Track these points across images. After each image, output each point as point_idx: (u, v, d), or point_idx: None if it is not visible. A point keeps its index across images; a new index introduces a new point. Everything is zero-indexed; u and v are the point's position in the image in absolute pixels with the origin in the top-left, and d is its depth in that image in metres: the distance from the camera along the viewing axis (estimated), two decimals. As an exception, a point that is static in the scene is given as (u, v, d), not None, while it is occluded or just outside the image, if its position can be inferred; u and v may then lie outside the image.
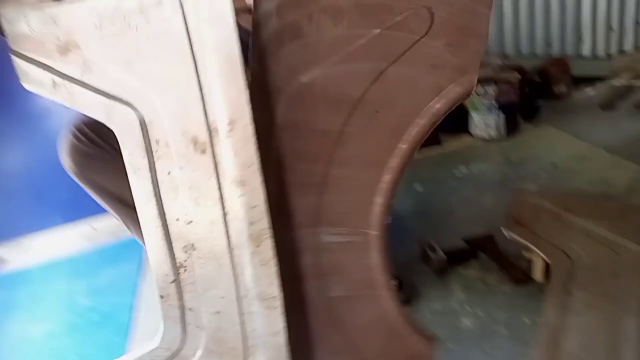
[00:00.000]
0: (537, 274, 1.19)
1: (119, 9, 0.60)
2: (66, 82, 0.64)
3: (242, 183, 0.66)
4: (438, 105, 0.68)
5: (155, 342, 0.80)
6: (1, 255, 1.89)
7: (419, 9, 0.64)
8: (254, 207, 0.67)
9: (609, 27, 2.57)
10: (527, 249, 1.21)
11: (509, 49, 2.54)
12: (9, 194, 2.01)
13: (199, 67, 0.62)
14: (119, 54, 0.62)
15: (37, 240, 1.95)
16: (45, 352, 1.29)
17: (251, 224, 0.67)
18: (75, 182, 2.04)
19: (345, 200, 0.73)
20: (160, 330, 0.79)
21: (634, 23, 2.58)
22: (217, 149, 0.64)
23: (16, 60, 0.63)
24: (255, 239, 0.69)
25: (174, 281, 0.74)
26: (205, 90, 0.62)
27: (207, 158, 0.65)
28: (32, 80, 0.64)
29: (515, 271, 1.22)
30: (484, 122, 2.04)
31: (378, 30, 0.65)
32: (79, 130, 1.08)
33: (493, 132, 2.03)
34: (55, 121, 2.03)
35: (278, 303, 0.71)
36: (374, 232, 0.74)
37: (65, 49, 0.63)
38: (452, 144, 2.04)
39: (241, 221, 0.67)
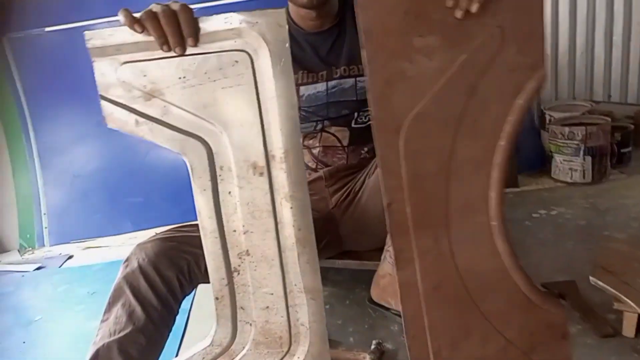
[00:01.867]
0: (628, 327, 1.05)
1: (202, 67, 0.76)
2: (148, 122, 0.78)
3: (292, 198, 0.81)
4: (521, 101, 0.80)
5: (207, 341, 0.88)
6: (69, 252, 1.97)
7: (492, 30, 0.78)
8: (302, 216, 0.82)
9: None
10: (618, 299, 1.07)
11: (599, 95, 2.40)
12: (85, 195, 2.11)
13: (262, 110, 0.78)
14: (197, 100, 0.78)
15: (104, 242, 2.02)
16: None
17: (299, 230, 0.82)
18: (147, 193, 2.11)
19: (467, 200, 0.85)
20: (212, 329, 0.86)
21: None
22: (273, 172, 0.80)
23: (104, 104, 0.77)
24: (302, 242, 0.83)
25: (228, 284, 0.85)
26: (266, 127, 0.78)
27: (264, 179, 0.80)
28: (117, 120, 0.78)
29: (603, 323, 1.08)
30: (569, 165, 1.91)
31: (465, 55, 0.78)
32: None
33: (577, 177, 1.89)
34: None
35: (319, 294, 0.85)
36: (494, 222, 0.86)
37: (149, 95, 0.78)
38: (531, 186, 1.92)
39: (291, 228, 0.82)
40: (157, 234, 1.02)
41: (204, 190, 0.81)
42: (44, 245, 2.06)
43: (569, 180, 1.92)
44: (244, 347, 0.87)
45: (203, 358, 0.86)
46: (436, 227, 0.86)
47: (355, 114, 1.30)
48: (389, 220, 0.84)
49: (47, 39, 2.04)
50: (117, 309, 0.91)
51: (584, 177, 1.89)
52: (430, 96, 0.81)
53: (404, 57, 0.79)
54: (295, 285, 0.84)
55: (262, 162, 0.80)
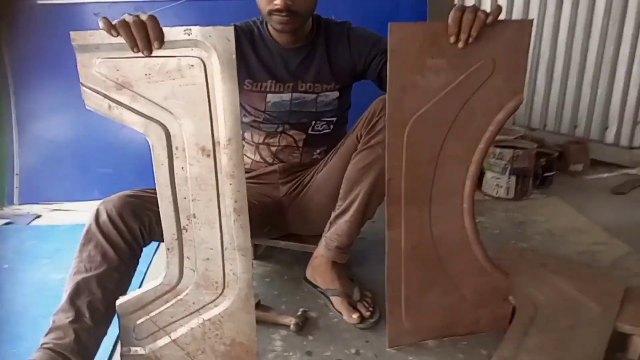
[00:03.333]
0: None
1: (164, 67, 0.95)
2: (118, 106, 0.98)
3: (232, 176, 1.01)
4: (500, 117, 1.09)
5: (158, 281, 1.09)
6: (37, 212, 2.11)
7: (487, 60, 1.04)
8: (238, 191, 1.02)
9: (635, 121, 2.68)
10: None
11: (536, 123, 2.67)
12: (58, 161, 2.25)
13: (211, 104, 0.97)
14: (159, 93, 0.97)
15: (71, 206, 2.17)
16: (59, 297, 1.45)
17: (235, 201, 1.03)
18: (116, 165, 2.25)
19: (448, 185, 1.13)
20: (164, 272, 1.08)
21: (661, 121, 2.68)
22: (218, 155, 1.00)
23: (84, 89, 0.97)
24: (237, 211, 1.03)
25: (177, 238, 1.05)
26: (213, 119, 0.97)
27: (210, 160, 1.00)
28: (94, 103, 0.98)
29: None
30: (496, 182, 2.17)
31: (463, 76, 1.05)
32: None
33: (502, 192, 2.15)
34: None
35: (249, 252, 1.07)
36: (466, 205, 1.15)
37: (121, 86, 0.96)
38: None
39: (229, 200, 1.02)
40: (123, 192, 1.20)
41: (162, 164, 1.00)
42: (13, 204, 2.19)
43: (494, 195, 2.18)
44: (187, 287, 1.08)
45: (155, 292, 1.08)
46: (421, 202, 1.13)
47: (313, 122, 1.48)
48: (388, 192, 1.10)
49: (38, 11, 2.16)
50: (90, 250, 1.10)
51: (507, 193, 2.15)
52: (432, 103, 1.06)
53: (417, 71, 1.03)
54: (230, 243, 1.05)
55: (209, 146, 0.99)
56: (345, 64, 1.44)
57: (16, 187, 2.20)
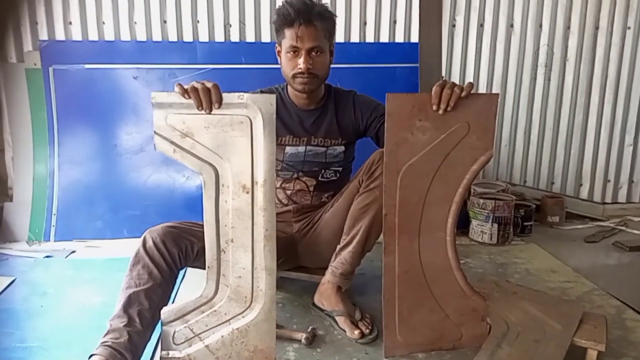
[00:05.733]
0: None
1: (220, 122, 1.25)
2: (181, 151, 1.25)
3: (265, 209, 1.28)
4: (475, 167, 1.36)
5: (198, 294, 1.30)
6: (72, 248, 2.36)
7: (463, 124, 1.33)
8: (269, 221, 1.28)
9: (606, 179, 2.99)
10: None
11: (516, 179, 2.98)
12: (91, 203, 2.52)
13: (253, 152, 1.26)
14: (214, 142, 1.25)
15: (102, 244, 2.42)
16: (101, 315, 1.66)
17: (267, 230, 1.29)
18: (143, 208, 2.52)
19: (433, 220, 1.38)
20: (202, 287, 1.34)
21: (629, 180, 3.00)
22: (255, 192, 1.27)
23: (155, 136, 1.23)
24: (267, 238, 1.29)
25: (217, 259, 1.31)
26: (254, 164, 1.26)
27: (249, 196, 1.27)
28: (162, 147, 1.24)
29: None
30: (480, 229, 2.45)
31: (444, 135, 1.33)
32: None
33: (486, 238, 2.42)
34: (140, 160, 2.58)
35: (274, 273, 1.31)
36: (449, 237, 1.40)
37: (184, 135, 1.24)
38: (451, 241, 2.43)
39: (261, 228, 1.28)
40: (164, 223, 1.47)
41: (210, 197, 1.28)
42: (49, 240, 2.44)
43: (480, 240, 2.45)
44: (221, 300, 1.32)
45: (194, 304, 1.32)
46: (412, 234, 1.37)
47: (323, 171, 1.79)
48: (384, 225, 1.36)
49: (84, 74, 2.52)
50: (139, 269, 1.35)
51: (491, 239, 2.42)
52: (420, 155, 1.32)
53: (408, 130, 1.31)
54: (259, 264, 1.30)
55: (249, 185, 1.27)
56: (350, 123, 1.77)
57: (53, 226, 2.46)
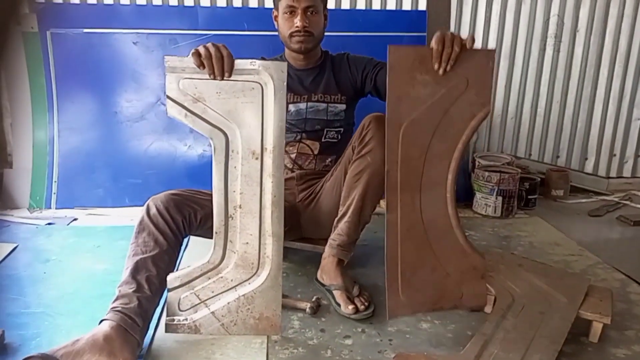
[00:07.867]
0: (489, 305, 1.52)
1: (232, 88, 1.23)
2: (192, 115, 1.24)
3: (273, 176, 1.27)
4: (473, 123, 1.33)
5: (204, 259, 1.30)
6: (74, 215, 2.34)
7: (462, 79, 1.30)
8: (277, 188, 1.27)
9: (612, 153, 2.97)
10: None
11: (522, 152, 2.95)
12: (92, 171, 2.50)
13: (264, 118, 1.24)
14: (225, 107, 1.23)
15: (104, 212, 2.41)
16: (105, 282, 1.67)
17: (274, 196, 1.27)
18: (145, 177, 2.50)
19: (434, 176, 1.35)
20: (209, 252, 1.33)
21: (635, 155, 2.97)
22: (264, 158, 1.25)
23: (168, 101, 1.22)
24: (275, 204, 1.28)
25: (224, 224, 1.30)
26: (264, 130, 1.25)
27: (258, 162, 1.26)
28: (174, 112, 1.23)
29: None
30: (485, 202, 2.43)
31: (444, 90, 1.29)
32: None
33: (490, 211, 2.41)
34: (142, 126, 2.55)
35: (281, 239, 1.31)
36: (449, 194, 1.37)
37: (196, 100, 1.23)
38: (454, 213, 2.42)
39: (269, 195, 1.27)
40: (168, 191, 1.45)
41: (219, 163, 1.26)
42: (50, 208, 2.42)
43: (483, 213, 2.44)
44: (228, 266, 1.32)
45: (200, 270, 1.31)
46: (413, 191, 1.35)
47: (325, 131, 1.80)
48: (387, 181, 1.33)
49: (82, 38, 2.46)
50: (144, 236, 1.34)
51: (495, 212, 2.41)
52: (421, 110, 1.29)
53: (409, 84, 1.28)
54: (267, 231, 1.29)
55: (258, 151, 1.26)
56: (347, 80, 1.81)
57: (54, 193, 2.44)
